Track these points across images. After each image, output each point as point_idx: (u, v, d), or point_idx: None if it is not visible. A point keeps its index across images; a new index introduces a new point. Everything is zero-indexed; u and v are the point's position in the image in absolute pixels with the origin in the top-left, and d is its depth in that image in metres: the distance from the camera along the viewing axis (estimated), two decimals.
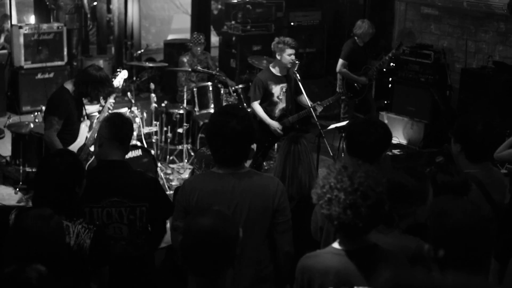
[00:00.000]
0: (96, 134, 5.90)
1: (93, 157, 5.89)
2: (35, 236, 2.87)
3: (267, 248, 3.60)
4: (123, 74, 6.46)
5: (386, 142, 3.82)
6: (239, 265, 3.38)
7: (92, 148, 5.95)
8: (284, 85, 7.15)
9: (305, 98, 7.11)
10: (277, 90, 7.14)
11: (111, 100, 6.14)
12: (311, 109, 7.02)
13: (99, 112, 6.06)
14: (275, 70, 7.16)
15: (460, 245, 2.53)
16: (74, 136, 5.74)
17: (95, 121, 6.05)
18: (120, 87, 6.48)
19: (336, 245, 2.89)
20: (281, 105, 7.20)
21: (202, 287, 2.71)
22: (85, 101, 5.85)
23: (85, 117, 5.99)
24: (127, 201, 3.87)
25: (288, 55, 7.04)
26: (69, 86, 5.67)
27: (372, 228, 2.82)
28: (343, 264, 2.82)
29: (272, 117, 7.13)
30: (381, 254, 2.87)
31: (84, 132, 5.92)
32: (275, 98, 7.16)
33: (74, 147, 5.62)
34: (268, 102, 7.15)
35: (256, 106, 7.15)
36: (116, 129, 4.08)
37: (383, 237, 3.09)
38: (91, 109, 6.13)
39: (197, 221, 2.73)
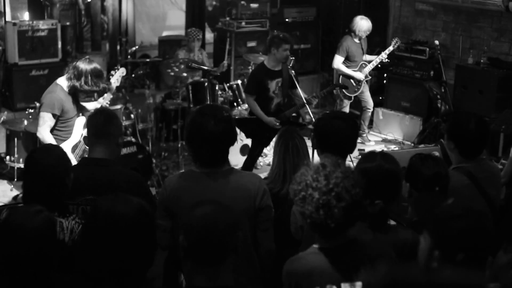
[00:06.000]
0: None
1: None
2: (18, 233, 2.82)
3: (253, 246, 3.59)
4: (120, 72, 6.36)
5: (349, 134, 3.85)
6: None
7: None
8: (279, 79, 7.14)
9: (299, 91, 7.13)
10: (273, 85, 7.13)
11: (108, 96, 6.10)
12: (306, 101, 7.03)
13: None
14: (270, 65, 7.15)
15: (466, 248, 2.52)
16: (69, 133, 5.71)
17: None
18: (118, 85, 6.39)
19: (316, 244, 2.89)
20: (277, 100, 7.19)
21: (210, 277, 2.70)
22: (82, 97, 5.80)
23: (81, 113, 5.96)
24: None
25: (283, 50, 7.02)
26: (62, 82, 5.63)
27: (345, 229, 2.81)
28: (326, 263, 2.82)
29: (268, 112, 7.11)
30: (362, 248, 2.87)
31: (79, 128, 5.87)
32: (271, 94, 7.15)
33: (69, 143, 5.59)
34: (263, 98, 7.13)
35: (252, 103, 7.13)
36: (96, 126, 4.00)
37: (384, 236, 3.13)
38: (89, 106, 6.08)
39: (196, 213, 2.72)
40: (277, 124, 7.03)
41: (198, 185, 3.46)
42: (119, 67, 6.43)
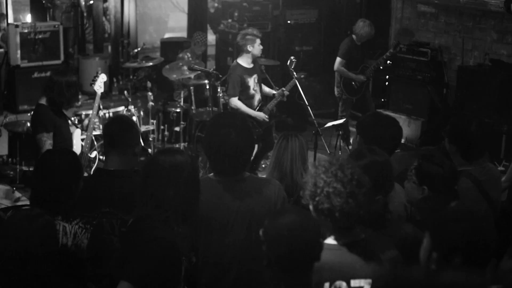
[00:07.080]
0: (89, 140, 5.90)
1: (96, 163, 5.86)
2: (18, 236, 2.82)
3: None
4: (101, 78, 6.25)
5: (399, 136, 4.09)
6: (244, 269, 3.40)
7: (92, 155, 5.91)
8: (255, 76, 7.34)
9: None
10: (252, 82, 7.30)
11: (96, 105, 6.04)
12: (282, 92, 7.36)
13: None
14: (246, 63, 7.28)
15: (464, 251, 2.53)
16: (69, 147, 5.67)
17: (88, 127, 6.01)
18: (102, 91, 6.30)
19: (330, 240, 2.89)
20: (257, 96, 7.40)
21: (295, 285, 2.71)
22: (70, 110, 5.75)
23: (75, 126, 5.94)
24: (118, 213, 3.63)
25: (258, 45, 7.22)
26: (43, 100, 5.61)
27: (366, 218, 2.86)
28: (337, 259, 2.83)
29: (253, 109, 7.32)
30: (370, 246, 2.91)
31: (78, 140, 5.85)
32: (252, 91, 7.33)
33: None
34: (246, 96, 7.30)
35: (237, 102, 7.29)
36: (112, 135, 3.83)
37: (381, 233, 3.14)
38: (76, 132, 6.01)
39: (281, 222, 2.72)
40: (267, 117, 7.28)
41: (221, 194, 3.40)
42: (98, 73, 6.31)
